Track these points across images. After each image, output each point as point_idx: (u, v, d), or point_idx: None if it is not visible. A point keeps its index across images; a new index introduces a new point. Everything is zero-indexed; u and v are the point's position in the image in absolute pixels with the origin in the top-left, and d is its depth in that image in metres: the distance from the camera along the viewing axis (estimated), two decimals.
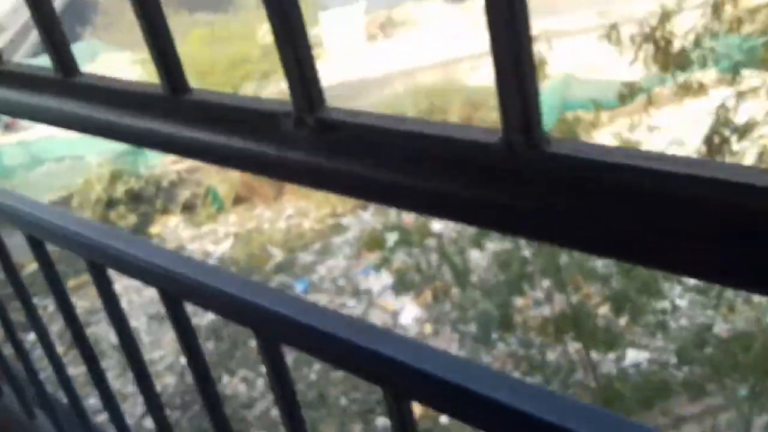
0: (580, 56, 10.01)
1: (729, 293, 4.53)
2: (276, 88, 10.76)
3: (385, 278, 8.16)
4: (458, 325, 5.74)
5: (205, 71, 11.12)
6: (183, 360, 7.22)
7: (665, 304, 4.78)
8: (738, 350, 4.18)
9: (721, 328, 5.47)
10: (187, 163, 11.54)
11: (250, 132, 0.62)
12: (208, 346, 7.35)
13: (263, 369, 6.05)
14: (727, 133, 3.80)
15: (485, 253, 4.86)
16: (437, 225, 5.51)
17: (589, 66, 9.68)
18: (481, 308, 4.22)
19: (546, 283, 4.22)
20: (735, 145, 3.89)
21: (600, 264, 4.25)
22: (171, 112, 0.68)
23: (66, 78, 0.77)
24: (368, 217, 10.06)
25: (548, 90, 6.83)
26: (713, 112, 3.86)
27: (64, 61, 0.77)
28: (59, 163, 11.00)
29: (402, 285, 4.97)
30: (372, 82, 12.47)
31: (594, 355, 4.18)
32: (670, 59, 3.85)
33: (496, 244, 4.58)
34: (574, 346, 4.19)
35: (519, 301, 4.28)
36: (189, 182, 11.49)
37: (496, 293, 4.18)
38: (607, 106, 4.99)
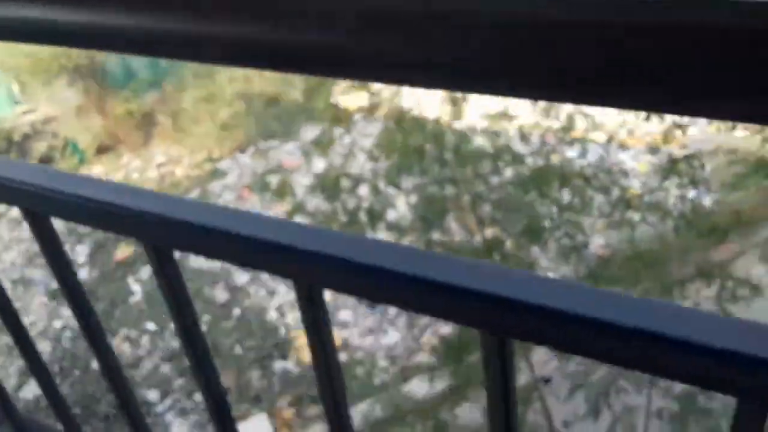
0: None
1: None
2: None
3: None
4: None
5: None
6: (57, 324, 6.68)
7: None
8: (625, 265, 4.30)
9: (596, 244, 5.67)
10: (41, 115, 10.62)
11: None
12: None
13: (147, 326, 5.60)
14: None
15: (403, 193, 4.65)
16: (354, 168, 5.22)
17: None
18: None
19: (464, 218, 4.12)
20: None
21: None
22: None
23: None
24: (247, 159, 9.66)
25: None
26: None
27: None
28: None
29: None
30: None
31: None
32: None
33: (413, 180, 4.39)
34: None
35: (436, 236, 4.16)
36: (44, 134, 10.61)
37: (413, 231, 4.04)
38: None
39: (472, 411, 4.08)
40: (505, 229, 4.38)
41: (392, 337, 5.96)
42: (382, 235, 4.83)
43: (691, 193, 4.71)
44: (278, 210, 7.95)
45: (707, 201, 5.63)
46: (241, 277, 6.96)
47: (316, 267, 0.60)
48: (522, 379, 3.95)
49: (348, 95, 7.00)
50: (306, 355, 6.04)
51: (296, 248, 0.60)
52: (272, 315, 6.49)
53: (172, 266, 0.72)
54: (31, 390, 5.82)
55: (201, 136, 9.95)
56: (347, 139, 7.54)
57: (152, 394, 5.86)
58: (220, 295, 6.76)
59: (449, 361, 4.18)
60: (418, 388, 4.73)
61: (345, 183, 4.63)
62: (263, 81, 10.03)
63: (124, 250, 7.69)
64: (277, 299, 6.65)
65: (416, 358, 5.67)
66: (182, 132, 10.14)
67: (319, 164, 8.61)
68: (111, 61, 10.69)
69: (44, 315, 6.77)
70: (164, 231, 0.69)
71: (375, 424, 4.39)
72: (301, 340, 6.17)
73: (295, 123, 9.78)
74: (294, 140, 9.65)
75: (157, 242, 0.70)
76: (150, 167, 10.03)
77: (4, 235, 8.22)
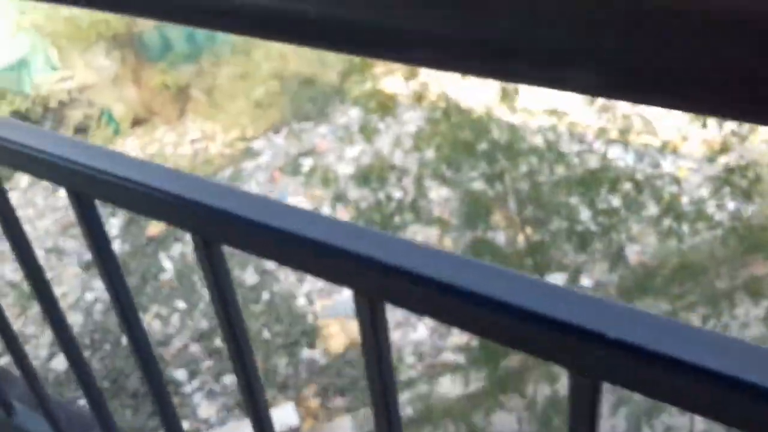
0: None
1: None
2: None
3: (302, 204, 7.80)
4: None
5: None
6: (89, 296, 6.69)
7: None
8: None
9: (633, 250, 5.53)
10: (77, 82, 10.64)
11: None
12: None
13: (178, 304, 5.54)
14: None
15: (447, 186, 4.55)
16: (397, 158, 5.13)
17: None
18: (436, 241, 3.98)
19: (508, 216, 4.03)
20: None
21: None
22: None
23: None
24: (281, 140, 9.59)
25: None
26: None
27: None
28: None
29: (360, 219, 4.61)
30: None
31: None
32: None
33: (458, 175, 4.29)
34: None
35: (480, 234, 4.06)
36: (80, 102, 10.62)
37: (455, 228, 3.95)
38: None
39: (504, 418, 4.00)
40: (548, 231, 4.27)
41: (421, 333, 5.89)
42: (422, 229, 4.73)
43: (731, 204, 4.56)
44: (312, 195, 7.89)
45: (748, 212, 5.46)
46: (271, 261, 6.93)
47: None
48: (561, 391, 3.85)
49: (388, 80, 6.88)
50: (333, 346, 5.99)
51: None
52: (301, 302, 6.45)
53: (220, 260, 0.71)
54: (62, 361, 5.85)
55: (235, 114, 9.90)
56: (381, 125, 7.45)
57: (180, 374, 5.85)
58: (250, 277, 6.73)
59: (483, 363, 4.09)
60: (447, 388, 4.66)
61: (388, 174, 4.54)
62: (299, 61, 9.93)
63: (156, 225, 7.68)
64: (306, 286, 6.61)
65: (444, 356, 5.59)
66: (217, 108, 10.09)
67: (354, 149, 8.51)
68: (148, 31, 10.65)
69: (77, 286, 6.79)
70: (213, 224, 0.68)
71: (406, 422, 4.33)
72: (328, 330, 6.12)
73: (329, 105, 9.69)
74: (328, 123, 9.57)
75: (205, 235, 0.70)
76: (184, 142, 10.01)
77: (38, 202, 8.25)
